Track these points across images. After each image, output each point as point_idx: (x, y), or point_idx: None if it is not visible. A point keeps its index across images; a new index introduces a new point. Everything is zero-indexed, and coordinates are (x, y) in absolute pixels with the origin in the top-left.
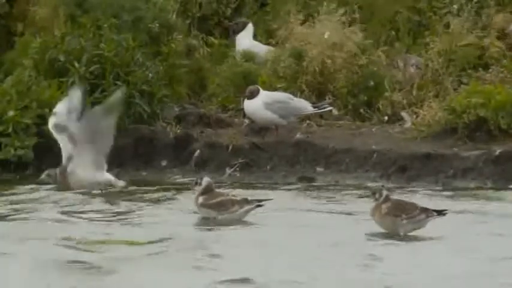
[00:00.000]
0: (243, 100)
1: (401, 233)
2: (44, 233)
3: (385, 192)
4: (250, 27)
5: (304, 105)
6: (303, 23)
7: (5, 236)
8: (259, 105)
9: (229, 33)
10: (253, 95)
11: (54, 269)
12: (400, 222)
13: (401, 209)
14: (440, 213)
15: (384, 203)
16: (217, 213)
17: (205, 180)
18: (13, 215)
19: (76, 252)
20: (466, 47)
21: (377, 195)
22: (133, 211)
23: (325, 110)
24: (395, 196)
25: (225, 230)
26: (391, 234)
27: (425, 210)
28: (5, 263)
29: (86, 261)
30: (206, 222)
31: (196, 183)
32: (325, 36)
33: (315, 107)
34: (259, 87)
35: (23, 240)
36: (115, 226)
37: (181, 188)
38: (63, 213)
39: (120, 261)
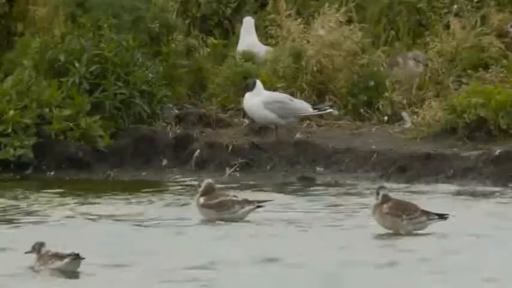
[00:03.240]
0: (243, 100)
1: (403, 233)
2: None
3: (382, 193)
4: (247, 20)
5: (305, 107)
6: (302, 22)
7: None
8: (259, 104)
9: (233, 30)
10: (248, 87)
11: None
12: (400, 223)
13: (402, 210)
14: (442, 217)
15: (385, 202)
16: (217, 213)
17: (205, 182)
18: None
19: None
20: (465, 48)
21: (377, 195)
22: None
23: (325, 111)
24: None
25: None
26: (394, 234)
27: (426, 212)
28: None
29: None
30: None
31: (199, 186)
32: (321, 33)
33: (315, 109)
34: (256, 80)
35: None
36: None
37: None
38: None
39: None
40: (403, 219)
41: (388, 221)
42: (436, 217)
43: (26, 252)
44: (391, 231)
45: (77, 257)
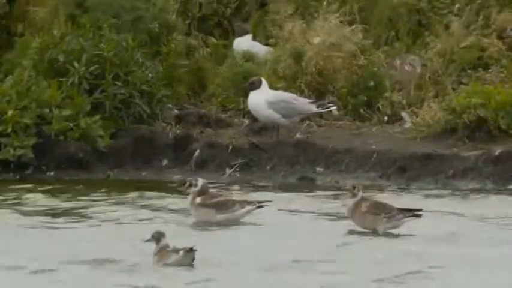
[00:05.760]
0: (243, 101)
1: (380, 232)
2: None
3: (361, 191)
4: (249, 36)
5: (309, 107)
6: (302, 23)
7: None
8: (263, 103)
9: (233, 30)
10: (255, 85)
11: None
12: (380, 221)
13: (381, 209)
14: (416, 214)
15: (362, 201)
16: (216, 212)
17: (201, 181)
18: None
19: None
20: (465, 48)
21: (356, 190)
22: None
23: (328, 109)
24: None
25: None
26: (374, 232)
27: (402, 210)
28: None
29: None
30: None
31: (190, 185)
32: (315, 42)
33: (318, 107)
34: (261, 78)
35: None
36: None
37: None
38: None
39: None
40: (382, 217)
41: (368, 220)
42: (411, 214)
43: (146, 241)
44: (369, 230)
45: (190, 251)
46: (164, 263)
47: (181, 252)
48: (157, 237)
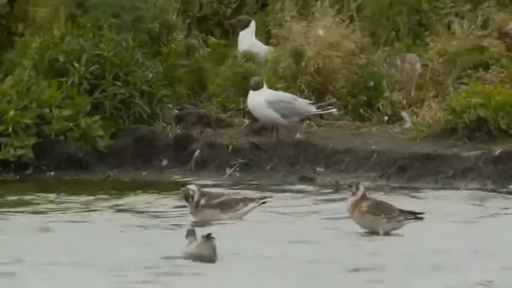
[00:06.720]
0: (243, 101)
1: (381, 232)
2: None
3: (362, 188)
4: (253, 24)
5: (309, 107)
6: (305, 24)
7: None
8: (263, 102)
9: (232, 29)
10: (258, 85)
11: None
12: (380, 221)
13: (381, 209)
14: (418, 217)
15: (363, 200)
16: (221, 212)
17: (194, 186)
18: None
19: None
20: (465, 48)
21: (353, 189)
22: None
23: (328, 111)
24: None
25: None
26: (373, 233)
27: (403, 212)
28: None
29: None
30: None
31: (192, 197)
32: (320, 33)
33: (318, 108)
34: (262, 79)
35: None
36: None
37: None
38: None
39: None
40: (382, 218)
41: (368, 220)
42: (413, 217)
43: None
44: (369, 230)
45: (208, 237)
46: (185, 252)
47: (199, 239)
48: (186, 234)
